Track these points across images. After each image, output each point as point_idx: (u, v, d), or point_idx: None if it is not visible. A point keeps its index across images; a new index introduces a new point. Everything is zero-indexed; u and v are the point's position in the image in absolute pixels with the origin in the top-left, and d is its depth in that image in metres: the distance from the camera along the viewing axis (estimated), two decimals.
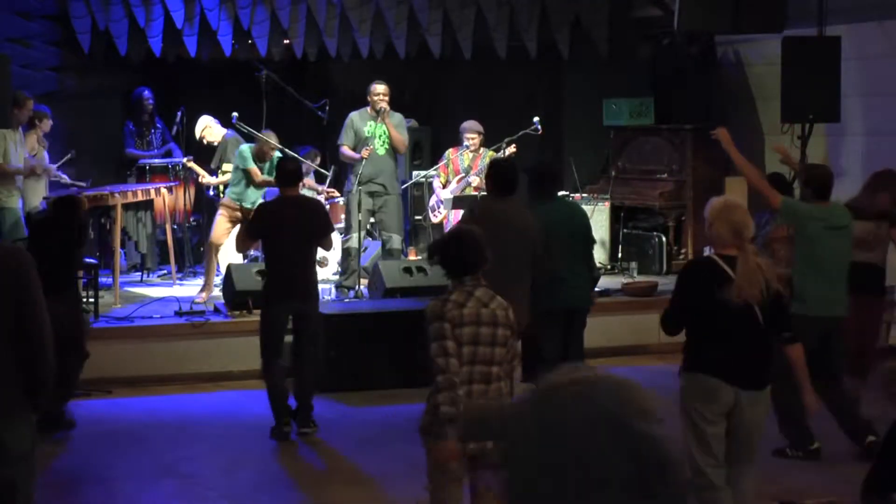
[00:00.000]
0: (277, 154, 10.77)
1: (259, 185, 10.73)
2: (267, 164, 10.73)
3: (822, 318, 7.30)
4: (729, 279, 5.37)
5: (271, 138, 10.79)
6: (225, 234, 10.84)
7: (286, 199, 8.27)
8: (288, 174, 8.31)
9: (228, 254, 11.35)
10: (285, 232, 8.08)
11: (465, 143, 11.57)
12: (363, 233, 10.86)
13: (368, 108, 10.86)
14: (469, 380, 5.09)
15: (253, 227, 8.43)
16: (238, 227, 11.01)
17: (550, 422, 1.58)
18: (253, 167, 10.65)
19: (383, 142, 10.81)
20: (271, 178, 10.72)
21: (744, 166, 7.46)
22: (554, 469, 1.56)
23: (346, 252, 10.82)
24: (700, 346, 5.50)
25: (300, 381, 8.19)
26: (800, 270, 7.40)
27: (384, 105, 10.74)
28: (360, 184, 10.62)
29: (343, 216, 11.41)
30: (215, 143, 11.78)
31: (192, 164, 11.77)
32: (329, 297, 10.47)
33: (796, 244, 7.45)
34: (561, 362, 6.95)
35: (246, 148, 10.80)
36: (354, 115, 10.88)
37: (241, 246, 8.93)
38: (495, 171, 7.62)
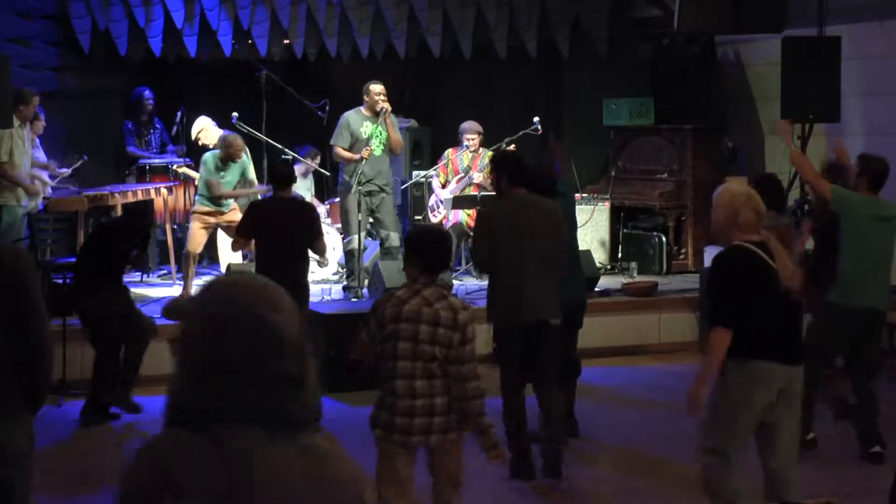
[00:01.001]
0: (245, 157, 10.76)
1: (217, 198, 10.71)
2: (237, 166, 10.72)
3: (863, 308, 7.37)
4: (764, 262, 5.38)
5: (237, 140, 10.69)
6: (201, 243, 10.84)
7: (276, 200, 8.57)
8: (279, 176, 8.58)
9: (228, 254, 11.35)
10: (274, 232, 8.32)
11: (465, 143, 11.57)
12: (364, 233, 10.87)
13: (363, 108, 10.81)
14: (412, 374, 5.10)
15: (242, 226, 8.71)
16: (219, 231, 11.11)
17: (208, 316, 2.15)
18: (212, 178, 10.62)
19: (381, 142, 10.79)
20: (230, 191, 10.71)
21: (798, 158, 7.70)
22: (211, 354, 2.13)
23: (349, 253, 10.83)
24: (750, 332, 5.43)
25: None
26: (846, 259, 7.43)
27: (386, 105, 10.73)
28: (358, 184, 10.62)
29: (340, 217, 11.42)
30: (211, 146, 11.76)
31: (184, 170, 11.71)
32: (328, 297, 10.47)
33: (844, 234, 7.48)
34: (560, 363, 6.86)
35: (209, 156, 10.71)
36: (350, 116, 10.83)
37: (235, 245, 9.20)
38: (507, 163, 7.42)
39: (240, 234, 8.74)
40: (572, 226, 8.07)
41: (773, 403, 5.46)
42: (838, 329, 7.40)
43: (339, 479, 2.18)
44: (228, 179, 10.72)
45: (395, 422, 5.09)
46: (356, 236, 10.69)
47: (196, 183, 11.76)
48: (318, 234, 8.56)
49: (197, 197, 10.97)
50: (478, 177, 11.47)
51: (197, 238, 10.74)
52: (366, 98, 10.77)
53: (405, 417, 5.09)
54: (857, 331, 7.42)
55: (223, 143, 10.65)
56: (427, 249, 5.26)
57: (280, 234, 8.30)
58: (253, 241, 8.62)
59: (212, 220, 10.77)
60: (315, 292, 10.54)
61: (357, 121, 10.75)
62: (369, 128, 10.74)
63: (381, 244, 11.08)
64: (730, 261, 5.53)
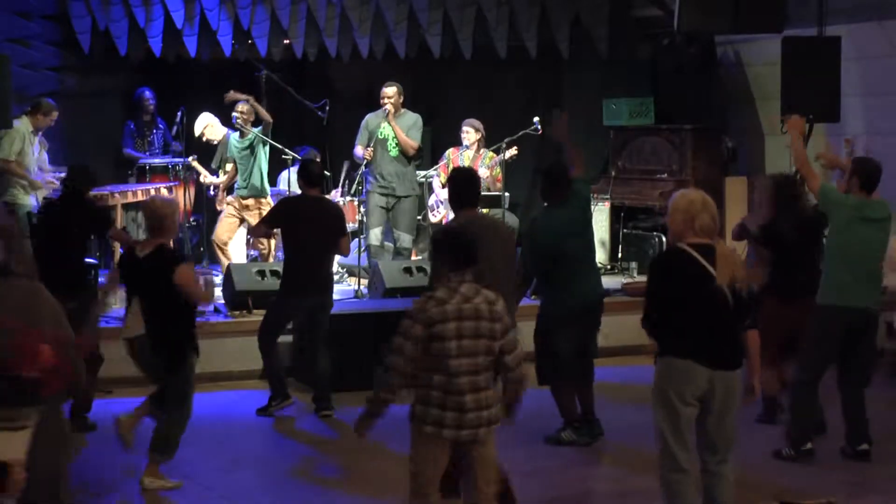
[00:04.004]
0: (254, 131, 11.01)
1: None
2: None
3: (846, 308, 7.30)
4: (699, 265, 5.48)
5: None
6: (229, 232, 10.96)
7: (306, 198, 8.70)
8: (310, 175, 8.70)
9: (239, 251, 11.43)
10: (302, 228, 8.49)
11: (464, 141, 11.61)
12: (380, 228, 11.07)
13: (383, 109, 10.98)
14: (457, 372, 5.24)
15: (270, 216, 8.94)
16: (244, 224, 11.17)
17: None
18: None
19: (395, 143, 10.93)
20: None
21: (798, 152, 7.62)
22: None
23: (368, 248, 11.00)
24: (673, 331, 5.62)
25: (318, 370, 8.69)
26: (828, 259, 7.47)
27: (389, 107, 10.84)
28: (375, 183, 10.94)
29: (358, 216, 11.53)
30: (215, 142, 11.76)
31: (195, 164, 11.76)
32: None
33: (830, 234, 7.52)
34: (578, 361, 7.02)
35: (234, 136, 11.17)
36: (370, 116, 11.06)
37: (255, 230, 9.38)
38: (462, 182, 7.35)
39: (264, 222, 9.00)
40: (587, 221, 8.18)
41: (707, 405, 5.59)
42: (836, 332, 7.35)
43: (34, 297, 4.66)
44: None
45: (447, 417, 5.23)
46: (371, 232, 10.98)
47: (202, 179, 11.76)
48: (342, 234, 8.72)
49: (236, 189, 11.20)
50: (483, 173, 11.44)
51: (224, 225, 11.13)
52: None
53: (458, 413, 5.22)
54: (853, 332, 7.37)
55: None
56: (451, 247, 5.39)
57: (308, 231, 8.47)
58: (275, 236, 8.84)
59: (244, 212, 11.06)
60: None
61: (374, 121, 10.99)
62: (386, 128, 10.91)
63: (394, 244, 11.21)
64: (661, 264, 5.70)
